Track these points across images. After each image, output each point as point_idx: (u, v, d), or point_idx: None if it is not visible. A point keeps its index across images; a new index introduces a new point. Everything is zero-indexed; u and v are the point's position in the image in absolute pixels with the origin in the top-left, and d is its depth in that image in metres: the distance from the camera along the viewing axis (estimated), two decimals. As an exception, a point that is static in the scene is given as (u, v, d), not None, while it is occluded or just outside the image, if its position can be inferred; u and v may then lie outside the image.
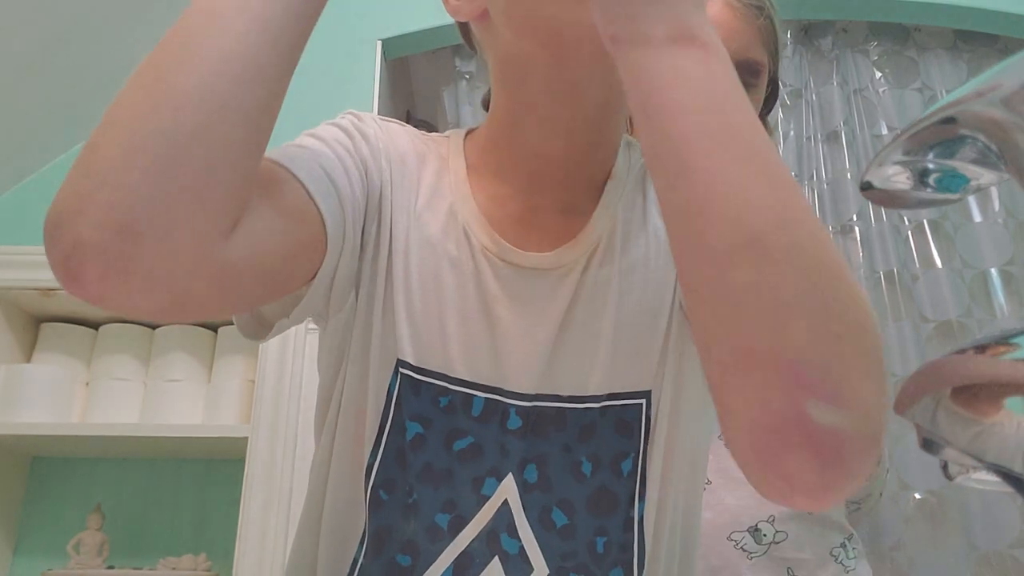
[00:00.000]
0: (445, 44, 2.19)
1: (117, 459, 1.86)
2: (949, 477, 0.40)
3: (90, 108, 1.98)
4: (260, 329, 0.61)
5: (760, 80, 1.12)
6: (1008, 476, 0.32)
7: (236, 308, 0.55)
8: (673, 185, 0.45)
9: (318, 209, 0.56)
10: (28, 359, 1.85)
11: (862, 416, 0.41)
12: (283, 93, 0.50)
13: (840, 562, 0.97)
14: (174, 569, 1.67)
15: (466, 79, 2.23)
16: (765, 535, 0.94)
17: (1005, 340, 0.34)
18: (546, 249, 0.64)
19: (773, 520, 0.94)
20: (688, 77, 0.45)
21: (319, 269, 0.57)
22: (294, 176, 0.56)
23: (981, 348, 0.34)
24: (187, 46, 0.47)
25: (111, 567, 1.70)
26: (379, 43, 2.10)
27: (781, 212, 0.43)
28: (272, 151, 0.57)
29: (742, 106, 0.46)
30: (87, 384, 1.81)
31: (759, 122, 0.46)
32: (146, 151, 0.44)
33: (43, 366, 1.78)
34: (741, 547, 0.93)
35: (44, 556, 1.77)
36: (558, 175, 0.65)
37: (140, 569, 1.70)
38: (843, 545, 0.98)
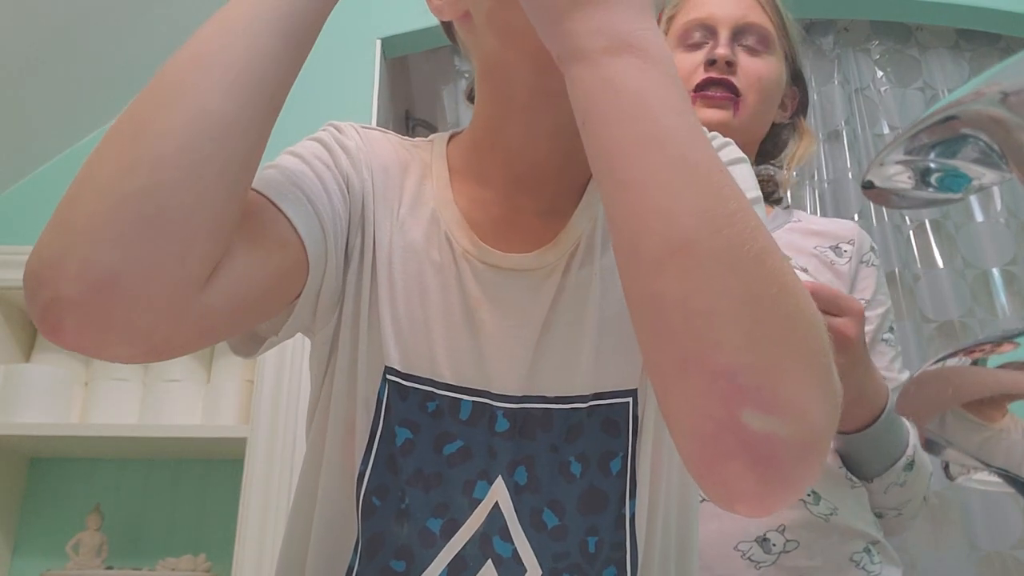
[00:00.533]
0: (445, 43, 2.19)
1: (116, 460, 1.86)
2: (951, 477, 0.40)
3: (90, 108, 1.98)
4: (251, 345, 0.61)
5: (770, 47, 1.12)
6: (1015, 482, 0.32)
7: (217, 341, 0.55)
8: (609, 195, 0.46)
9: (298, 234, 0.56)
10: (27, 359, 1.85)
11: (800, 422, 0.41)
12: (264, 144, 0.50)
13: (863, 567, 0.94)
14: (173, 570, 1.67)
15: (465, 78, 2.23)
16: (774, 545, 0.91)
17: (1007, 339, 0.33)
18: (527, 251, 0.64)
19: (783, 529, 0.92)
20: (619, 87, 0.45)
21: (303, 290, 0.58)
22: (272, 203, 0.56)
23: (982, 348, 0.34)
24: (168, 102, 0.47)
25: (110, 568, 1.70)
26: (378, 42, 2.10)
27: (710, 218, 0.42)
28: None
29: (678, 110, 0.45)
30: (86, 384, 1.81)
31: (697, 126, 0.45)
32: (125, 209, 0.44)
33: (42, 366, 1.78)
34: (748, 557, 0.91)
35: (43, 556, 1.77)
36: (540, 178, 0.65)
37: (139, 570, 1.70)
38: (866, 550, 0.95)
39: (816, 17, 2.28)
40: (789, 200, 1.31)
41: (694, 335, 0.41)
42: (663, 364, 0.43)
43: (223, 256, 0.49)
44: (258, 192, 0.56)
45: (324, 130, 0.66)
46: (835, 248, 1.10)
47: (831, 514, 0.94)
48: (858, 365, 0.91)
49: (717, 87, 1.08)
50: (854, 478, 1.00)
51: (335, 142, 0.65)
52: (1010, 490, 0.35)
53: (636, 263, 0.44)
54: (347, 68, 2.03)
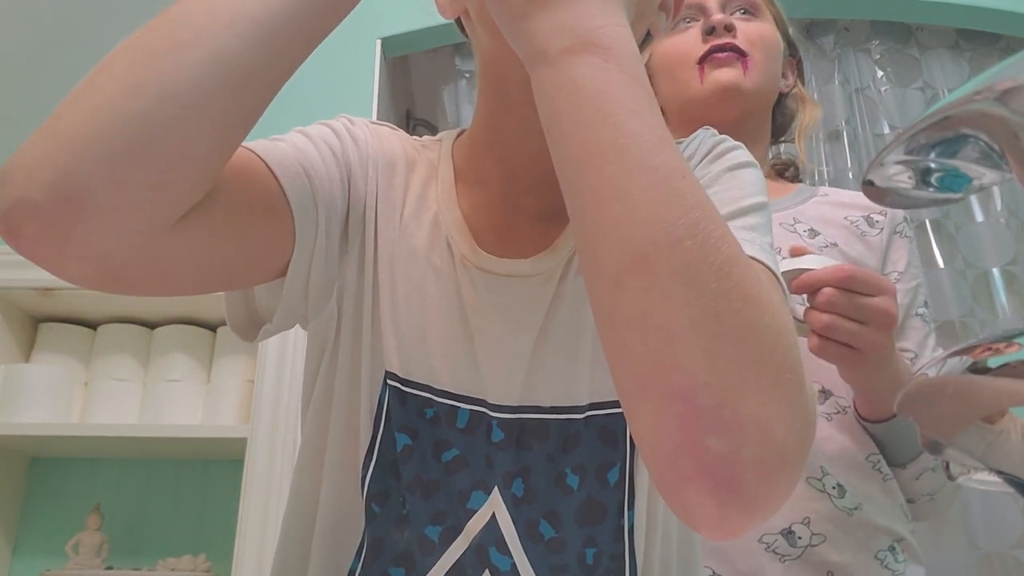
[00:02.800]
0: (445, 43, 2.19)
1: (116, 459, 1.86)
2: (951, 477, 0.40)
3: (89, 107, 1.98)
4: (252, 329, 0.61)
5: (760, 14, 1.13)
6: (1015, 482, 0.32)
7: (181, 291, 0.55)
8: (570, 206, 0.44)
9: (288, 204, 0.56)
10: (27, 359, 1.85)
11: (764, 442, 0.38)
12: (268, 102, 0.49)
13: (887, 566, 0.91)
14: (173, 570, 1.67)
15: (466, 78, 2.23)
16: (800, 537, 0.89)
17: (1007, 339, 0.33)
18: (524, 256, 0.63)
19: (808, 522, 0.89)
20: (580, 90, 0.43)
21: (289, 268, 0.57)
22: (269, 168, 0.55)
23: (982, 348, 0.34)
24: (186, 39, 0.46)
25: (110, 567, 1.69)
26: (379, 42, 2.10)
27: (669, 230, 0.40)
28: (255, 142, 0.57)
29: (640, 113, 0.43)
30: (86, 384, 1.81)
31: (661, 129, 0.43)
32: (118, 129, 0.43)
33: (42, 366, 1.78)
34: (772, 550, 0.88)
35: (43, 556, 1.77)
36: (537, 178, 0.63)
37: (139, 569, 1.70)
38: (891, 548, 0.92)
39: (816, 17, 2.28)
40: (815, 177, 1.30)
41: (652, 354, 0.39)
42: (624, 384, 0.41)
43: (203, 204, 0.49)
44: (257, 155, 0.55)
45: (337, 119, 0.66)
46: (867, 219, 1.07)
47: (855, 508, 0.92)
48: (894, 350, 0.89)
49: (721, 51, 1.08)
50: (886, 471, 0.97)
51: (346, 131, 0.65)
52: (1010, 490, 0.35)
53: (595, 278, 0.42)
54: (347, 68, 2.03)
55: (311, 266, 0.59)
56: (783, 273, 0.86)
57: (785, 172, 1.21)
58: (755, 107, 1.12)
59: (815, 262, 0.86)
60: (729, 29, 1.08)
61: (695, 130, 0.68)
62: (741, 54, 1.07)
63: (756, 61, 1.08)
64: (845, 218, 1.07)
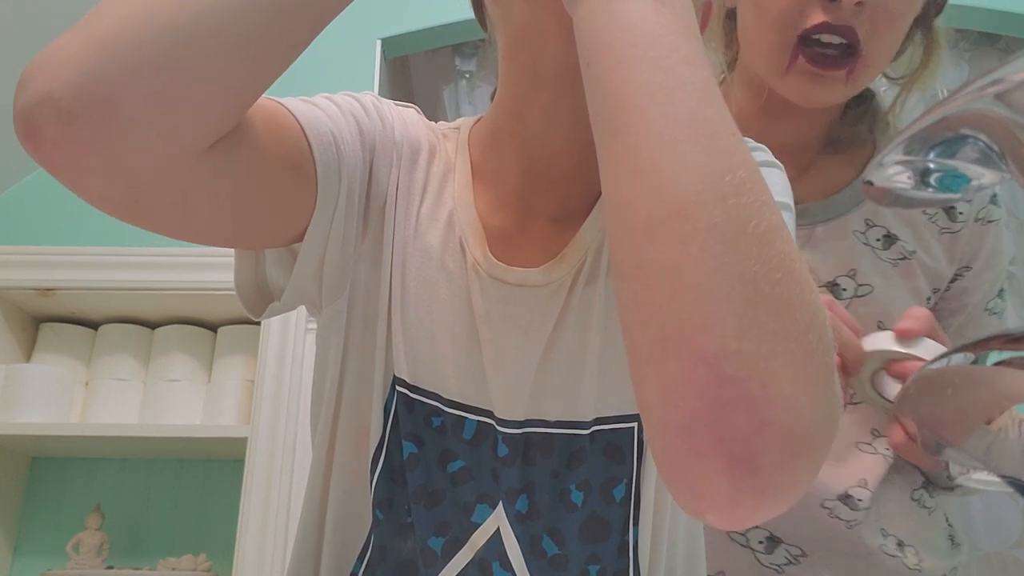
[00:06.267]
0: (445, 43, 2.18)
1: (117, 459, 1.86)
2: (951, 477, 0.40)
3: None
4: (260, 304, 0.60)
5: None
6: (1015, 482, 0.32)
7: (197, 231, 0.52)
8: (606, 149, 0.42)
9: (315, 167, 0.54)
10: (28, 359, 1.85)
11: (790, 423, 0.35)
12: (312, 36, 0.48)
13: (924, 505, 0.89)
14: (173, 569, 1.67)
15: (466, 78, 2.23)
16: (860, 500, 0.84)
17: (1007, 339, 0.33)
18: (535, 264, 0.61)
19: (865, 483, 0.85)
20: (632, 28, 0.41)
21: (306, 232, 0.56)
22: (302, 129, 0.54)
23: (982, 347, 0.34)
24: None
25: (110, 567, 1.70)
26: (379, 42, 2.10)
27: (715, 183, 0.37)
28: (289, 99, 0.56)
29: (692, 62, 0.41)
30: (86, 384, 1.81)
31: (712, 83, 0.41)
32: (152, 40, 0.41)
33: (42, 366, 1.78)
34: (836, 516, 0.85)
35: (43, 556, 1.77)
36: (557, 176, 0.61)
37: (139, 569, 1.70)
38: (924, 486, 0.90)
39: (816, 17, 2.28)
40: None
41: (679, 313, 0.36)
42: (641, 344, 0.38)
43: (232, 141, 0.47)
44: (293, 115, 0.54)
45: (364, 94, 0.64)
46: (948, 212, 1.00)
47: (917, 568, 0.88)
48: None
49: (830, 43, 0.80)
50: (929, 504, 0.93)
51: (374, 109, 0.63)
52: (1009, 490, 0.35)
53: (627, 226, 0.39)
54: (347, 68, 2.03)
55: (328, 240, 0.57)
56: (884, 351, 0.73)
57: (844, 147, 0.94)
58: (827, 118, 0.89)
59: (928, 352, 0.75)
60: (860, 3, 0.78)
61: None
62: (854, 53, 0.80)
63: (868, 64, 0.82)
64: (923, 211, 0.90)
